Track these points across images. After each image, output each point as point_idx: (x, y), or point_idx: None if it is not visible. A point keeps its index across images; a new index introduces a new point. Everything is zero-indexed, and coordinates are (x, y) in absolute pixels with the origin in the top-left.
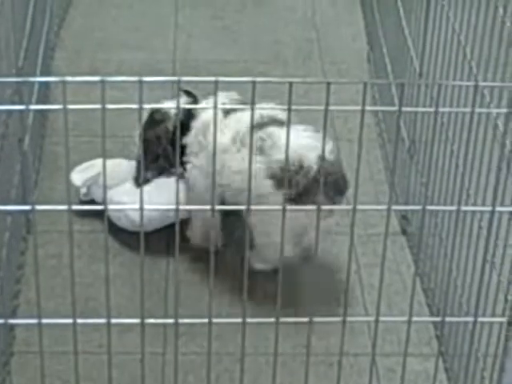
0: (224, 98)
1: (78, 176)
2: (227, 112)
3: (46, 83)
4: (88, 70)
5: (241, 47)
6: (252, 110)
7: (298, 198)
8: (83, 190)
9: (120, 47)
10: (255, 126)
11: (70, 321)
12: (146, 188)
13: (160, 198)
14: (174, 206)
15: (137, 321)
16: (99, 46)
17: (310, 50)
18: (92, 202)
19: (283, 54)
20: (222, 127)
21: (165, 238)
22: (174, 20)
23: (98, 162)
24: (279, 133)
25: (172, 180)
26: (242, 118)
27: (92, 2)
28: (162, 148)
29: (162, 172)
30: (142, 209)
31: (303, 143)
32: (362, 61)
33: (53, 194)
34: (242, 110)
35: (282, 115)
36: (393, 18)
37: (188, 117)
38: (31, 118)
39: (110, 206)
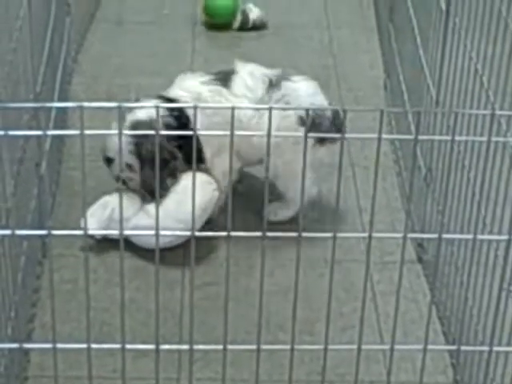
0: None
1: (93, 220)
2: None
3: (64, 108)
4: (105, 96)
5: None
6: (268, 136)
7: (321, 138)
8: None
9: (137, 73)
10: (270, 86)
11: (84, 346)
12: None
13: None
14: (188, 233)
15: (151, 346)
16: (116, 71)
17: (327, 76)
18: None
19: None
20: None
21: (180, 263)
22: (192, 46)
23: (107, 199)
24: (293, 86)
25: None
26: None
27: (110, 27)
28: (167, 151)
29: (175, 174)
30: (157, 235)
31: (314, 94)
32: (378, 88)
33: (69, 218)
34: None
35: (280, 71)
36: (410, 46)
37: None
38: (48, 142)
39: (126, 232)
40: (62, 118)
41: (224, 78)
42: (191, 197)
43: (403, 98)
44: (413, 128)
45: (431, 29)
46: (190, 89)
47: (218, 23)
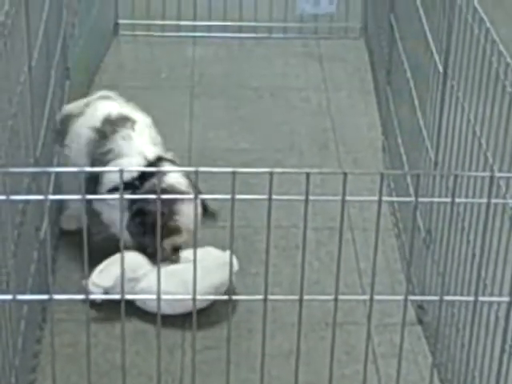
0: None
1: (103, 275)
2: None
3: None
4: None
5: (256, 136)
6: (269, 200)
7: None
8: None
9: None
10: None
11: None
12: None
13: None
14: (189, 297)
15: None
16: None
17: (326, 139)
18: (107, 293)
19: (298, 144)
20: None
21: (180, 327)
22: (190, 109)
23: (114, 258)
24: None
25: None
26: None
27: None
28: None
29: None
30: (159, 298)
31: None
32: (377, 150)
33: (69, 282)
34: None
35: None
36: (407, 108)
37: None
38: (48, 206)
39: (127, 296)
40: (60, 182)
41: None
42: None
43: (402, 159)
44: (411, 190)
45: (429, 91)
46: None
47: None
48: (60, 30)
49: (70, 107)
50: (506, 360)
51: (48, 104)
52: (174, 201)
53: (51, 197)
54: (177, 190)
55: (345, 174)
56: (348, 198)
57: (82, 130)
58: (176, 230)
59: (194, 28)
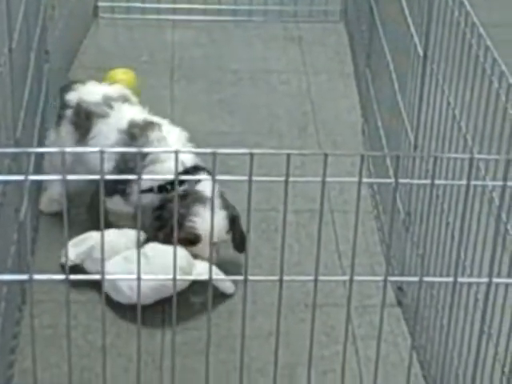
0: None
1: (72, 250)
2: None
3: (41, 154)
4: None
5: (236, 119)
6: (249, 182)
7: None
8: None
9: None
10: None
11: None
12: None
13: (154, 269)
14: (170, 277)
15: None
16: None
17: (305, 122)
18: (85, 273)
19: (278, 126)
20: None
21: (160, 309)
22: (170, 92)
23: (92, 234)
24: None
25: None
26: None
27: (88, 75)
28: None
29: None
30: (139, 278)
31: None
32: (356, 133)
33: (49, 263)
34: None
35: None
36: (387, 91)
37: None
38: (28, 188)
39: (108, 276)
40: (39, 164)
41: None
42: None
43: (381, 142)
44: (391, 172)
45: (409, 74)
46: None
47: None
48: (39, 12)
49: (90, 100)
50: (485, 341)
51: (28, 87)
52: (197, 205)
53: (31, 177)
54: (203, 196)
55: (325, 155)
56: (328, 179)
57: (110, 133)
58: (192, 234)
59: (174, 11)
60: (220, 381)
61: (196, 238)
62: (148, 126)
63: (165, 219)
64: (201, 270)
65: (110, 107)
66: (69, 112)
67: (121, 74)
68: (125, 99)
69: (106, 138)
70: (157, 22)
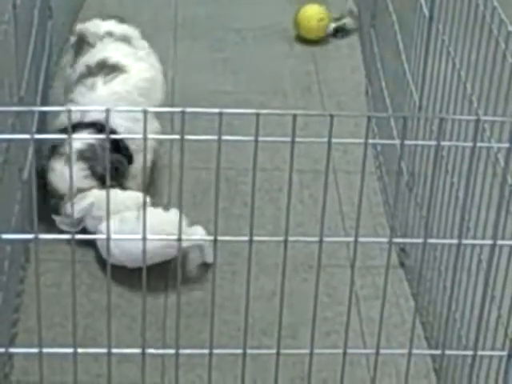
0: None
1: (72, 208)
2: None
3: (44, 112)
4: None
5: (240, 79)
6: (256, 142)
7: None
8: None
9: None
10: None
11: (70, 350)
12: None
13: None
14: (174, 237)
15: (138, 351)
16: None
17: (309, 82)
18: (84, 231)
19: (282, 86)
20: None
21: (164, 270)
22: (173, 52)
23: (94, 191)
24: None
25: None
26: None
27: None
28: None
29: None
30: (144, 239)
31: None
32: (360, 94)
33: (51, 223)
34: None
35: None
36: (392, 51)
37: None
38: (31, 147)
39: (114, 236)
40: (42, 122)
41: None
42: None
43: (385, 103)
44: (395, 133)
45: (414, 35)
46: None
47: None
48: None
49: (90, 30)
50: (488, 303)
51: (32, 44)
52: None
53: (38, 136)
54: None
55: (331, 116)
56: (334, 139)
57: (80, 65)
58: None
59: None
60: (223, 341)
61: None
62: (107, 69)
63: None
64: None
65: (100, 40)
66: (73, 39)
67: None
68: (124, 38)
69: (78, 68)
70: None
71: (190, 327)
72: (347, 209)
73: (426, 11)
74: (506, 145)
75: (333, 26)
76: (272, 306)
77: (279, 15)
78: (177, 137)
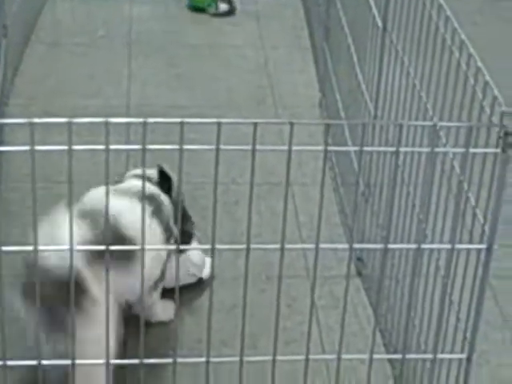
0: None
1: None
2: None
3: (1, 128)
4: (42, 117)
5: (195, 93)
6: (217, 150)
7: None
8: None
9: (74, 94)
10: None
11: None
12: None
13: None
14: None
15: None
16: (53, 92)
17: (263, 95)
18: None
19: (236, 100)
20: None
21: None
22: (128, 68)
23: None
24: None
25: None
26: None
27: (46, 49)
28: None
29: None
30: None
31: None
32: (314, 106)
33: (8, 239)
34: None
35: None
36: (346, 63)
37: None
38: None
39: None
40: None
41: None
42: None
43: (339, 115)
44: (350, 143)
45: (368, 46)
46: None
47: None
48: None
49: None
50: (447, 307)
51: None
52: None
53: (1, 148)
54: None
55: (291, 124)
56: (295, 147)
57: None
58: None
59: None
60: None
61: None
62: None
63: None
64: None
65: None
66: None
67: None
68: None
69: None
70: None
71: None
72: (304, 219)
73: (379, 22)
74: (462, 150)
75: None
76: (231, 318)
77: (233, 30)
78: (138, 147)
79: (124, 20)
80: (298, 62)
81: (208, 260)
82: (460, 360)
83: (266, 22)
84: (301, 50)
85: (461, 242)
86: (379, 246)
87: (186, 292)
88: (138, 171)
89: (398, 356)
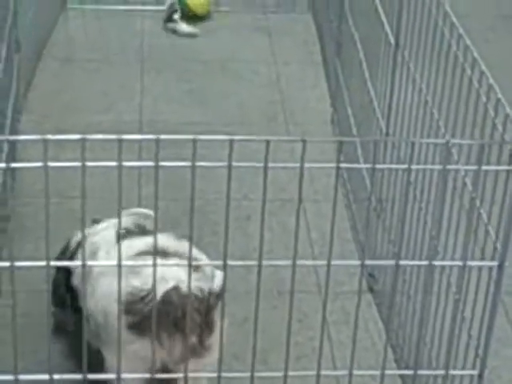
0: (128, 222)
1: None
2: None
3: (14, 145)
4: (55, 133)
5: (206, 110)
6: (229, 167)
7: (139, 325)
8: None
9: (87, 110)
10: (138, 254)
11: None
12: None
13: None
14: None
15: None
16: (66, 108)
17: (275, 112)
18: None
19: (248, 116)
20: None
21: None
22: (140, 83)
23: None
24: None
25: None
26: (133, 245)
27: (59, 65)
28: None
29: None
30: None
31: (163, 272)
32: (325, 122)
33: (21, 254)
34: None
35: (170, 246)
36: (357, 79)
37: None
38: (0, 178)
39: (89, 263)
40: (12, 156)
41: None
42: None
43: (351, 131)
44: (362, 161)
45: (380, 62)
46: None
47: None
48: (9, 2)
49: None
50: (459, 323)
51: None
52: None
53: (14, 164)
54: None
55: (304, 141)
56: (307, 164)
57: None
58: None
59: (143, 1)
60: None
61: None
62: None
63: None
64: None
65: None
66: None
67: None
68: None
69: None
70: (125, 12)
71: None
72: (315, 236)
73: (391, 39)
74: (474, 167)
75: None
76: (242, 332)
77: (245, 46)
78: (151, 164)
79: (136, 35)
80: (309, 78)
81: (219, 273)
82: (471, 376)
83: (278, 38)
84: (313, 65)
85: (473, 259)
86: (391, 262)
87: None
88: (134, 210)
89: (410, 372)
